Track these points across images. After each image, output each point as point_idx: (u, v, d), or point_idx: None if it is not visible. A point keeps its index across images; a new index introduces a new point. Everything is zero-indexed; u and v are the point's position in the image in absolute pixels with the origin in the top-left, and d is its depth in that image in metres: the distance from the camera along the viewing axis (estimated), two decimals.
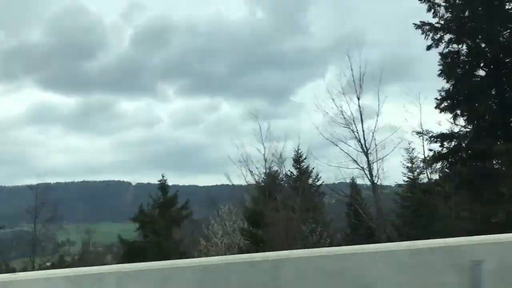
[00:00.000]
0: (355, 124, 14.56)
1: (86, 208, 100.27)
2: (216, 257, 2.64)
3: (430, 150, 14.34)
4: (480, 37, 13.64)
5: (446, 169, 14.54)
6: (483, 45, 13.63)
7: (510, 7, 13.55)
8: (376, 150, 13.66)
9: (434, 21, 13.80)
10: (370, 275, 2.31)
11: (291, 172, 22.30)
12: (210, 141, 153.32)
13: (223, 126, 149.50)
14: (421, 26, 13.78)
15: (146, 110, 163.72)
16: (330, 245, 16.68)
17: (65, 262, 29.29)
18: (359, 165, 14.01)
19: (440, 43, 13.68)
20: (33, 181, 22.91)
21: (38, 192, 20.78)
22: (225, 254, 16.80)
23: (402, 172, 19.72)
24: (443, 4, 13.78)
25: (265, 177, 18.70)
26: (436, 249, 2.35)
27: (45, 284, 2.33)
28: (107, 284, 2.31)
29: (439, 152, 14.01)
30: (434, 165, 14.88)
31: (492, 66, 13.59)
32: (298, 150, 22.66)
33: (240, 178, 19.31)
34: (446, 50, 13.60)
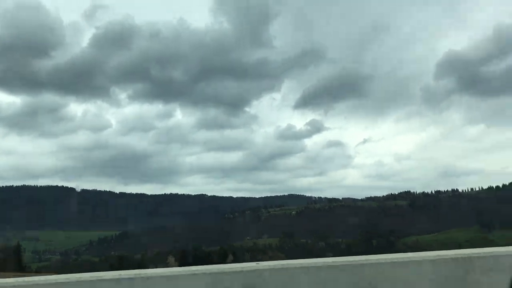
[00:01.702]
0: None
1: (27, 213, 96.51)
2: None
3: None
4: None
5: None
6: None
7: None
8: None
9: None
10: None
11: None
12: (160, 149, 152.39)
13: (174, 134, 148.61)
14: None
15: (96, 113, 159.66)
16: None
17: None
18: None
19: None
20: None
21: None
22: None
23: None
24: None
25: None
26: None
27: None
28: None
29: None
30: None
31: None
32: None
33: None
34: None
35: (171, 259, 45.94)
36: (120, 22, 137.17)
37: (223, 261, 39.97)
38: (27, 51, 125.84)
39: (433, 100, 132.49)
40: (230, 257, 43.11)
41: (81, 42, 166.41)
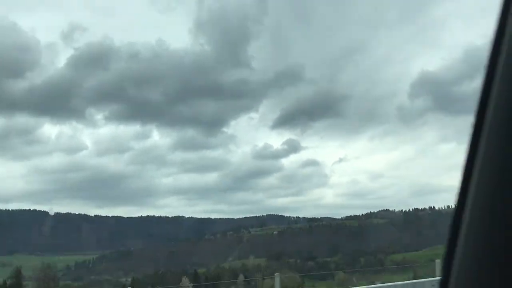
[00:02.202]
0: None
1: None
2: None
3: None
4: None
5: None
6: None
7: None
8: None
9: None
10: None
11: None
12: (136, 170, 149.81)
13: (151, 155, 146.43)
14: None
15: (71, 135, 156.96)
16: None
17: None
18: None
19: None
20: None
21: None
22: None
23: None
24: None
25: None
26: None
27: None
28: None
29: None
30: None
31: None
32: None
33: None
34: None
35: (185, 280, 44.70)
36: (98, 43, 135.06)
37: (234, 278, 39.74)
38: (1, 72, 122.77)
39: (407, 119, 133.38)
40: (241, 276, 42.52)
41: (57, 63, 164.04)
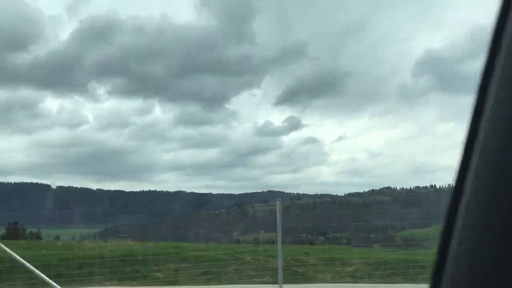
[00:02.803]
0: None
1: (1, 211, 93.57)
2: None
3: None
4: None
5: None
6: None
7: None
8: None
9: None
10: None
11: None
12: (137, 145, 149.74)
13: (152, 130, 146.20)
14: None
15: (72, 109, 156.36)
16: None
17: None
18: None
19: None
20: None
21: None
22: None
23: None
24: None
25: None
26: None
27: None
28: None
29: None
30: None
31: None
32: None
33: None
34: None
35: None
36: (102, 16, 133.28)
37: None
38: (4, 45, 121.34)
39: (409, 97, 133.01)
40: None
41: (61, 36, 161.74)
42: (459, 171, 0.73)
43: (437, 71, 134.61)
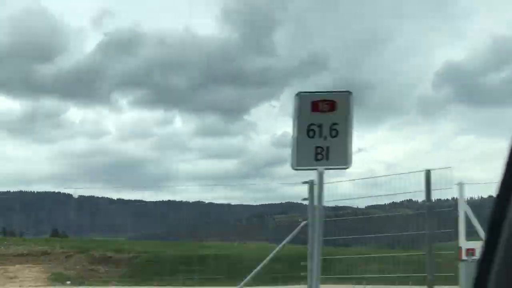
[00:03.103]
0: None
1: (25, 219, 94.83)
2: None
3: None
4: None
5: None
6: None
7: None
8: None
9: None
10: None
11: None
12: (157, 156, 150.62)
13: (172, 141, 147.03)
14: None
15: (95, 120, 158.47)
16: None
17: None
18: None
19: None
20: None
21: None
22: None
23: None
24: None
25: None
26: None
27: None
28: None
29: None
30: None
31: None
32: None
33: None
34: None
35: None
36: (126, 29, 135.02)
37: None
38: (31, 57, 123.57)
39: (428, 109, 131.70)
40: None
41: (86, 48, 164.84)
42: (504, 182, 0.70)
43: (457, 83, 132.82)
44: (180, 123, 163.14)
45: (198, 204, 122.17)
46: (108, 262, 22.43)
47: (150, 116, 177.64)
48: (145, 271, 20.67)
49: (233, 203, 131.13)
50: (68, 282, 18.48)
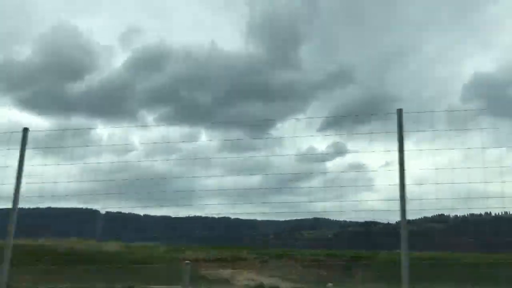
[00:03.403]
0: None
1: (54, 235, 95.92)
2: None
3: None
4: None
5: None
6: None
7: None
8: None
9: None
10: None
11: None
12: (183, 171, 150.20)
13: (198, 157, 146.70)
14: None
15: (121, 136, 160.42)
16: None
17: None
18: None
19: None
20: None
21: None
22: None
23: None
24: None
25: None
26: None
27: None
28: None
29: None
30: None
31: None
32: None
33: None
34: None
35: None
36: (154, 45, 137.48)
37: None
38: (61, 75, 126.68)
39: (457, 122, 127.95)
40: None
41: (114, 65, 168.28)
42: None
43: (487, 94, 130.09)
44: (205, 139, 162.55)
45: (224, 220, 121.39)
46: None
47: (175, 132, 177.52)
48: None
49: (259, 219, 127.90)
50: None
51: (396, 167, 6.52)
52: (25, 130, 7.02)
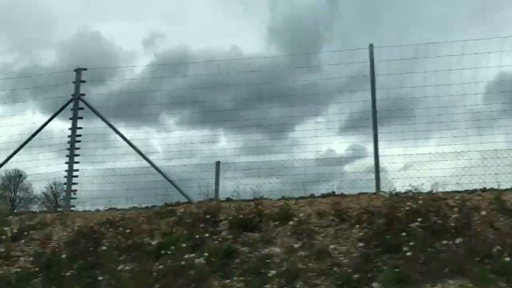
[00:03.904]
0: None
1: None
2: None
3: None
4: None
5: None
6: None
7: None
8: None
9: None
10: None
11: None
12: (202, 174, 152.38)
13: (217, 159, 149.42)
14: None
15: (142, 140, 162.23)
16: None
17: None
18: None
19: None
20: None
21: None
22: None
23: None
24: None
25: None
26: None
27: None
28: None
29: None
30: None
31: None
32: None
33: None
34: None
35: None
36: (175, 50, 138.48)
37: None
38: (84, 79, 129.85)
39: (479, 123, 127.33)
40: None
41: (136, 69, 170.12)
42: None
43: (510, 95, 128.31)
44: (225, 142, 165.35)
45: None
46: None
47: (195, 135, 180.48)
48: None
49: None
50: None
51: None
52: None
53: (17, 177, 27.46)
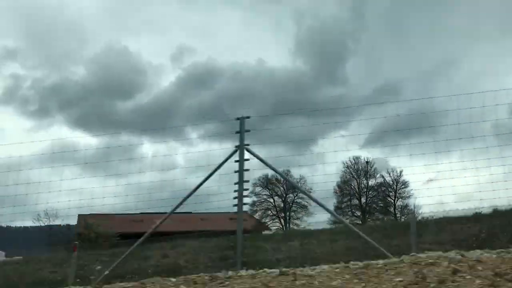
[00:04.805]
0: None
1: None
2: None
3: None
4: None
5: None
6: None
7: None
8: None
9: None
10: None
11: None
12: (224, 188, 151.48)
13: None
14: None
15: (166, 153, 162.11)
16: None
17: None
18: None
19: None
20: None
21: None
22: None
23: None
24: None
25: None
26: None
27: None
28: None
29: None
30: None
31: None
32: None
33: None
34: None
35: None
36: (203, 64, 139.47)
37: None
38: (113, 93, 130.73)
39: (504, 137, 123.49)
40: None
41: (164, 83, 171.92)
42: None
43: None
44: (248, 155, 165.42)
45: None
46: None
47: (218, 148, 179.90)
48: None
49: None
50: None
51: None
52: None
53: None
